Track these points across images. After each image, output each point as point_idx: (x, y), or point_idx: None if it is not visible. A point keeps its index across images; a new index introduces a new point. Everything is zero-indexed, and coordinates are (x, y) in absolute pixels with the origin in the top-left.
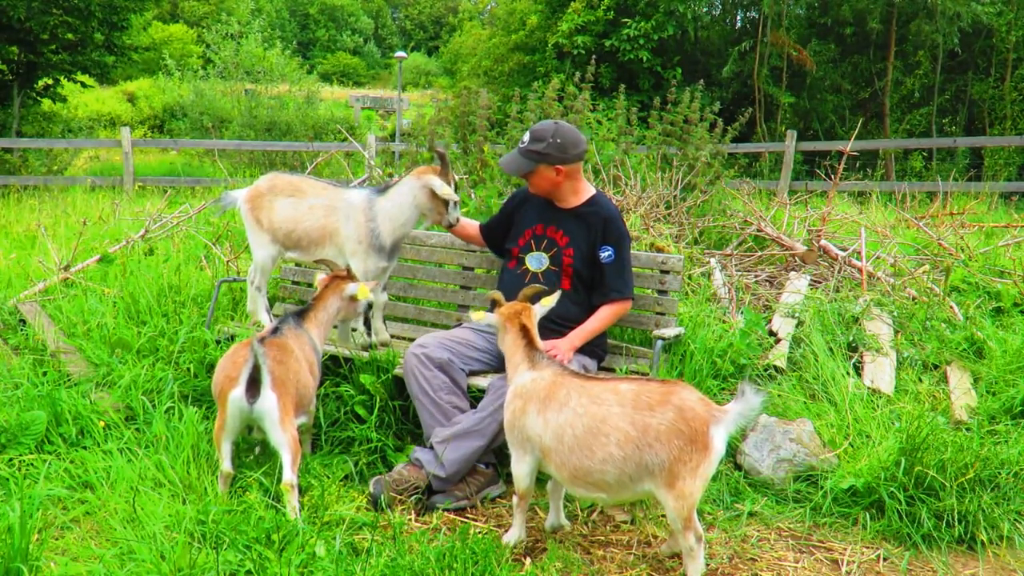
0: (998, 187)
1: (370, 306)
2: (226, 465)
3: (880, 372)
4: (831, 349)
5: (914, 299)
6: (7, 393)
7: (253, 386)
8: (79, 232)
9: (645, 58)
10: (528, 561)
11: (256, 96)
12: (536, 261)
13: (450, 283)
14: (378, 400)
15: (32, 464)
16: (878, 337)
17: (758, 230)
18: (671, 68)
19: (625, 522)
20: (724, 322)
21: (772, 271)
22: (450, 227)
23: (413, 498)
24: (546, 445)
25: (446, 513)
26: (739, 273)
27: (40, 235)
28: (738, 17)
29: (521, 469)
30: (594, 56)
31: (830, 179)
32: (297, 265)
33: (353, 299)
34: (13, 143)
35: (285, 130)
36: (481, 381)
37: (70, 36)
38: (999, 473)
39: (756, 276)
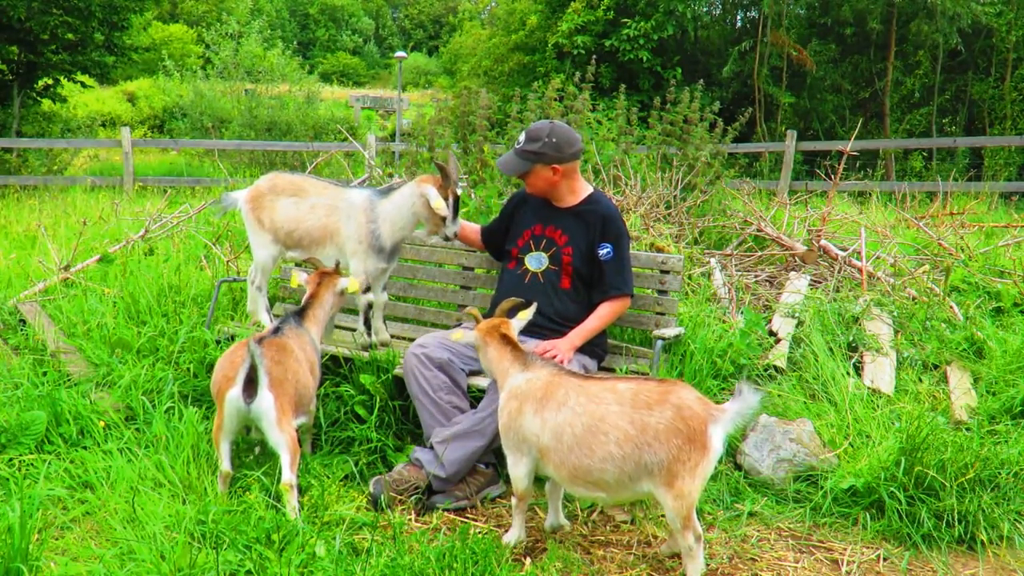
0: (998, 187)
1: (370, 306)
2: (225, 465)
3: (880, 372)
4: (831, 349)
5: (914, 299)
6: (7, 393)
7: (250, 386)
8: (79, 232)
9: (645, 58)
10: (528, 561)
11: (256, 96)
12: (536, 261)
13: (450, 283)
14: (378, 400)
15: (32, 464)
16: (878, 337)
17: (758, 230)
18: (671, 68)
19: (625, 522)
20: (724, 322)
21: (772, 271)
22: (447, 239)
23: (413, 498)
24: (544, 445)
25: (446, 513)
26: (739, 273)
27: (40, 235)
28: (738, 17)
29: (519, 471)
30: (594, 56)
31: (830, 179)
32: (297, 265)
33: (343, 294)
34: (13, 143)
35: (285, 130)
36: (481, 381)
37: (70, 36)
38: (999, 473)
39: (756, 276)
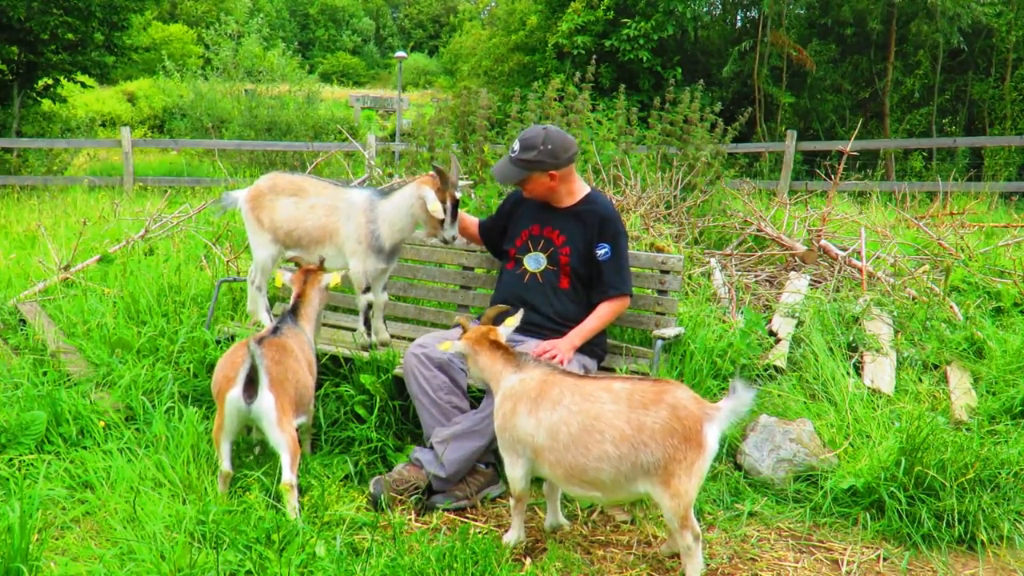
0: (998, 187)
1: (370, 306)
2: (225, 465)
3: (880, 372)
4: (831, 349)
5: (914, 299)
6: (7, 393)
7: (250, 386)
8: (79, 232)
9: (645, 58)
10: (528, 561)
11: (256, 96)
12: (534, 261)
13: (450, 283)
14: (378, 400)
15: (32, 464)
16: (878, 337)
17: (758, 230)
18: (671, 68)
19: (625, 522)
20: (724, 322)
21: (772, 271)
22: (445, 242)
23: (413, 498)
24: (539, 444)
25: (446, 513)
26: (739, 273)
27: (40, 235)
28: (738, 17)
29: (515, 473)
30: (594, 56)
31: (830, 179)
32: (297, 265)
33: (327, 289)
34: (13, 143)
35: (285, 130)
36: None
37: (70, 36)
38: (999, 473)
39: (756, 276)
